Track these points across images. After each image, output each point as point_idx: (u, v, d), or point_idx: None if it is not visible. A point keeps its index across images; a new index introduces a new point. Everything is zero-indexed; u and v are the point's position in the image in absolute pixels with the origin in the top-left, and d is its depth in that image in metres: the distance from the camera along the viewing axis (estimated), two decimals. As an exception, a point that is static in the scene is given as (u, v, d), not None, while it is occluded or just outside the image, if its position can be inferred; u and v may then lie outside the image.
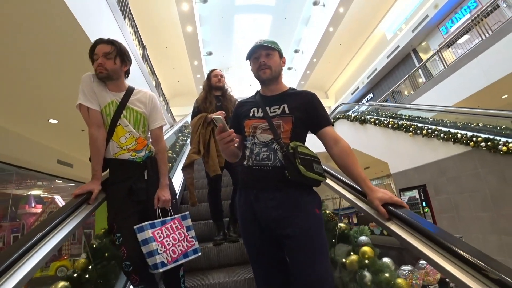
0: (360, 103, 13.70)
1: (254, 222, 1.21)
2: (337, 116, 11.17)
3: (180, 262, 1.47)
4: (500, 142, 4.68)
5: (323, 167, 1.29)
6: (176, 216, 1.57)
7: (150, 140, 1.67)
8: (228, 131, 1.14)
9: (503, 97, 8.28)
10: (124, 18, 5.46)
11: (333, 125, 1.35)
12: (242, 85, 20.57)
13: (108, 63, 1.48)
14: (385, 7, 13.90)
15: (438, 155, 6.11)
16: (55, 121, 5.10)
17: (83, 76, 1.50)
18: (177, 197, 1.89)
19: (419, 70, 11.45)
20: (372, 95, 16.72)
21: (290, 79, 20.53)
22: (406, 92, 12.28)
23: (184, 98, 18.13)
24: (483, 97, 7.84)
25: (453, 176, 5.79)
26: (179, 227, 1.54)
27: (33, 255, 0.99)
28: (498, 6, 8.52)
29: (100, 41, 1.52)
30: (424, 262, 3.10)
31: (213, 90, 2.73)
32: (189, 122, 5.63)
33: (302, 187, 1.19)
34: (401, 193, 7.44)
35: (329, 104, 21.06)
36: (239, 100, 1.58)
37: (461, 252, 0.82)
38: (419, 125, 6.84)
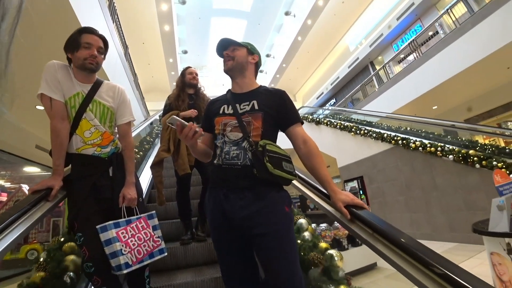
0: (319, 108, 15.11)
1: (223, 221, 1.18)
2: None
3: (145, 263, 1.40)
4: (411, 140, 6.05)
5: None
6: (142, 215, 1.49)
7: (117, 136, 1.58)
8: (188, 125, 1.14)
9: (433, 107, 9.90)
10: (112, 18, 6.14)
11: (302, 123, 1.34)
12: (215, 85, 21.37)
13: (99, 58, 1.46)
14: (348, 23, 15.50)
15: (372, 151, 7.46)
16: (41, 108, 5.68)
17: (47, 64, 1.40)
18: (144, 195, 1.84)
19: (374, 80, 13.04)
20: (334, 100, 18.23)
21: (261, 82, 21.64)
22: (362, 98, 13.87)
23: (158, 94, 18.56)
24: (417, 106, 9.34)
25: (381, 168, 7.15)
26: (145, 226, 1.45)
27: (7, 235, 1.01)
28: (437, 32, 10.22)
29: (93, 32, 1.46)
30: (337, 224, 4.23)
31: (187, 88, 2.71)
32: (159, 119, 6.21)
33: (271, 185, 1.18)
34: (345, 183, 8.80)
35: (297, 106, 22.51)
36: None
37: (414, 250, 0.89)
38: (360, 126, 8.19)
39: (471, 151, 4.76)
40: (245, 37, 18.25)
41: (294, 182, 1.60)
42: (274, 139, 1.26)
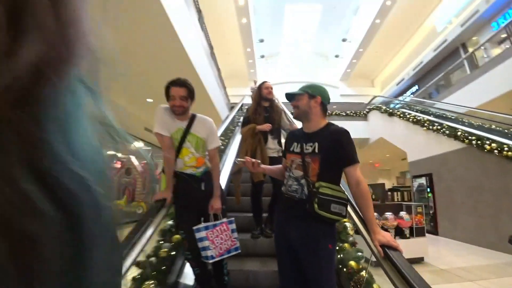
0: (393, 98, 14.18)
1: (283, 236, 1.48)
2: (372, 107, 12.12)
3: (225, 256, 1.84)
4: (486, 142, 5.65)
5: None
6: (224, 220, 1.91)
7: (207, 159, 2.01)
8: (245, 161, 1.59)
9: None
10: (199, 20, 7.22)
11: (358, 163, 1.47)
12: (291, 69, 21.79)
13: (184, 104, 1.83)
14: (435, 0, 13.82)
15: (443, 149, 7.10)
16: (151, 100, 7.36)
17: (157, 109, 1.87)
18: (224, 191, 2.25)
19: (466, 65, 11.49)
20: (417, 87, 16.73)
21: (337, 67, 21.09)
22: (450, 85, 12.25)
23: (237, 80, 20.13)
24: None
25: (452, 167, 6.82)
26: (226, 229, 1.87)
27: (146, 231, 1.66)
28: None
29: (175, 84, 1.83)
30: (388, 213, 4.60)
31: (263, 101, 2.98)
32: (240, 128, 7.21)
33: (322, 221, 1.37)
34: (413, 179, 8.56)
35: (374, 93, 21.25)
36: (289, 130, 1.82)
37: None
38: (435, 120, 7.72)
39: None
40: (320, 22, 17.99)
41: (353, 214, 1.82)
42: (334, 177, 1.47)
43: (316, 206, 1.33)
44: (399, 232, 4.69)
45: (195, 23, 6.48)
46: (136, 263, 1.75)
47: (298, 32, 20.36)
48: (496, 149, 5.35)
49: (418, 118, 8.29)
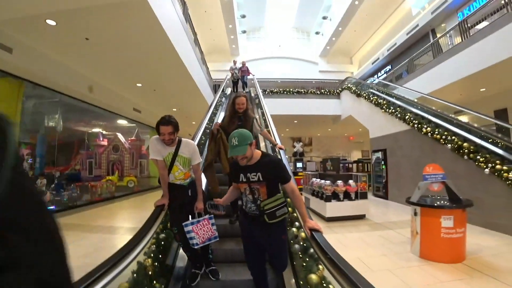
0: (361, 80, 15.03)
1: (250, 234, 2.06)
2: (344, 87, 13.11)
3: (207, 243, 2.43)
4: (424, 126, 6.85)
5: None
6: (206, 217, 2.45)
7: (191, 172, 2.55)
8: (218, 213, 2.18)
9: (481, 89, 9.47)
10: None
11: (290, 179, 2.01)
12: (272, 45, 22.16)
13: (171, 137, 2.34)
14: (411, -17, 14.44)
15: (395, 129, 8.34)
16: (140, 85, 8.05)
17: (151, 140, 2.41)
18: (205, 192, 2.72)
19: (432, 50, 12.36)
20: (390, 67, 17.75)
21: (317, 44, 21.66)
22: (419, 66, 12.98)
23: (218, 55, 20.39)
24: (466, 85, 8.81)
25: (400, 145, 8.10)
26: (207, 224, 2.43)
27: (150, 231, 2.13)
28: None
29: (162, 123, 2.30)
30: (339, 181, 5.79)
31: (236, 113, 3.40)
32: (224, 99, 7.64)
33: (274, 222, 1.93)
34: (373, 153, 9.88)
35: (352, 70, 22.20)
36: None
37: (336, 261, 1.48)
38: (393, 101, 8.84)
39: (464, 144, 5.59)
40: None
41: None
42: (276, 189, 2.00)
43: (266, 218, 1.90)
44: (347, 196, 5.96)
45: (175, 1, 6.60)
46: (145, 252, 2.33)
47: (280, 8, 20.50)
48: (429, 132, 6.57)
49: (379, 101, 9.42)
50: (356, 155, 18.88)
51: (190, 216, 2.47)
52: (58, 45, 5.61)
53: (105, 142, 15.01)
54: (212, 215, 2.47)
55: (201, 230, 2.37)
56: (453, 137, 5.97)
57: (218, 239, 2.49)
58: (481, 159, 5.13)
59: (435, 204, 3.66)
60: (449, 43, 11.19)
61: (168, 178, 2.45)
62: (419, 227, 3.72)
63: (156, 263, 2.31)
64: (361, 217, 6.04)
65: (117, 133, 14.55)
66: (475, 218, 4.97)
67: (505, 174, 4.58)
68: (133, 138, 15.06)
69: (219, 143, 3.34)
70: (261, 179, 1.90)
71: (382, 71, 18.21)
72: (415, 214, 3.80)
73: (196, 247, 2.34)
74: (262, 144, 5.35)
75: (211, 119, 6.18)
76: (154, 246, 2.50)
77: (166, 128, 2.28)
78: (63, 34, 5.09)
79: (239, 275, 2.60)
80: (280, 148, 3.91)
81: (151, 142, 2.43)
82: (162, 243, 2.61)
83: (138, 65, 6.73)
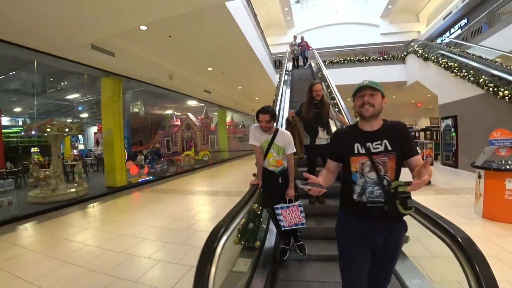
0: (429, 42, 13.80)
1: (362, 241, 1.43)
2: (410, 50, 12.40)
3: (293, 228, 2.55)
4: (500, 89, 6.49)
5: None
6: (295, 203, 2.54)
7: (285, 161, 2.66)
8: (313, 189, 1.33)
9: None
10: None
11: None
12: (328, 12, 21.27)
13: (268, 125, 2.52)
14: None
15: (467, 94, 7.93)
16: (211, 69, 9.12)
17: (251, 127, 2.67)
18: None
19: None
20: (466, 21, 15.82)
21: (378, 3, 20.05)
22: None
23: (274, 29, 20.55)
24: None
25: (473, 111, 7.76)
26: (296, 210, 2.51)
27: (246, 204, 2.26)
28: None
29: (262, 112, 2.51)
30: None
31: (314, 101, 3.47)
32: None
33: (401, 219, 1.44)
34: (442, 120, 9.56)
35: (419, 29, 20.20)
36: (335, 129, 1.80)
37: None
38: (467, 62, 8.30)
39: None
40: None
41: None
42: (400, 171, 1.45)
43: (400, 207, 1.32)
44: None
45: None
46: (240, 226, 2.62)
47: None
48: (507, 95, 6.24)
49: (449, 64, 8.88)
50: (424, 122, 17.81)
51: (282, 201, 2.59)
52: (147, 45, 6.85)
53: (178, 122, 17.11)
54: (301, 203, 2.54)
55: (289, 215, 2.49)
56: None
57: (304, 225, 2.55)
58: None
59: (501, 168, 3.87)
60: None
61: (264, 163, 2.68)
62: (483, 189, 4.00)
63: (256, 222, 2.74)
64: (428, 183, 6.27)
65: (188, 113, 16.39)
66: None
67: None
68: (202, 116, 16.80)
69: (294, 130, 3.48)
70: (389, 148, 1.41)
71: (456, 27, 16.25)
72: (479, 177, 4.06)
73: (283, 228, 2.55)
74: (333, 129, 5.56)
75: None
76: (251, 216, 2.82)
77: (264, 116, 2.50)
78: (151, 34, 6.15)
79: (322, 250, 2.87)
80: None
81: (251, 129, 2.68)
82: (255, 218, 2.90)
83: (210, 53, 7.68)
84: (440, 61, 9.44)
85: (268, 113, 2.51)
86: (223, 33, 6.45)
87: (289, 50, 12.30)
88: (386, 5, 19.05)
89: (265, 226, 3.15)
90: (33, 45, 5.26)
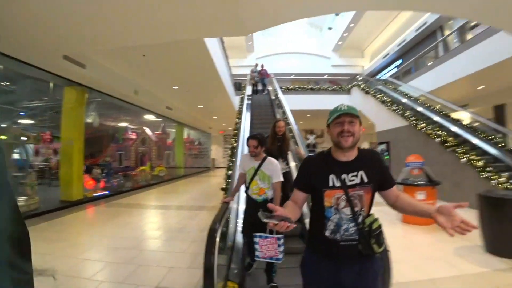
0: (370, 78, 15.91)
1: (335, 282, 1.29)
2: (354, 84, 14.15)
3: (267, 261, 2.38)
4: (419, 123, 7.95)
5: None
6: (274, 236, 2.36)
7: (268, 191, 2.69)
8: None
9: (479, 87, 10.07)
10: None
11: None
12: (286, 40, 23.03)
13: (255, 150, 2.66)
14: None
15: (397, 124, 9.42)
16: (176, 87, 9.47)
17: (242, 156, 2.89)
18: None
19: (441, 44, 13.05)
20: (401, 61, 18.45)
21: (329, 39, 22.40)
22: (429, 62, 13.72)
23: (235, 51, 21.53)
24: (463, 85, 9.67)
25: (401, 138, 9.20)
26: (274, 243, 2.33)
27: (227, 210, 2.78)
28: None
29: (250, 137, 2.69)
30: None
31: (276, 136, 3.91)
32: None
33: (371, 259, 1.30)
34: (378, 144, 11.01)
35: (363, 64, 22.90)
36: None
37: None
38: (397, 97, 9.93)
39: (449, 138, 6.71)
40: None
41: None
42: (372, 205, 1.34)
43: (376, 247, 1.24)
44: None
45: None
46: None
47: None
48: (423, 128, 7.68)
49: (384, 98, 10.48)
50: (366, 146, 19.92)
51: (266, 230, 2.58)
52: (119, 60, 7.06)
53: (133, 136, 16.74)
54: (283, 236, 2.38)
55: (266, 246, 2.39)
56: (441, 132, 7.09)
57: (280, 261, 2.37)
58: (460, 151, 6.26)
59: (414, 183, 5.08)
60: (455, 40, 11.98)
61: (248, 190, 2.78)
62: (401, 201, 5.10)
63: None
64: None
65: (145, 128, 16.18)
66: (455, 196, 6.24)
67: (476, 163, 5.73)
68: (159, 132, 16.69)
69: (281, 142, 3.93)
70: (365, 180, 1.30)
71: (393, 65, 18.92)
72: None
73: (257, 259, 2.45)
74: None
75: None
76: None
77: (252, 142, 2.68)
78: (126, 51, 6.40)
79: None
80: None
81: (241, 158, 2.92)
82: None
83: (179, 73, 8.10)
84: (377, 96, 11.04)
85: (256, 139, 2.69)
86: (194, 57, 6.91)
87: (250, 76, 13.20)
88: (337, 41, 21.39)
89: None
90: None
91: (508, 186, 5.21)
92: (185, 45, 6.29)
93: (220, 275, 2.25)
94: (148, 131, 16.37)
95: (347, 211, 1.28)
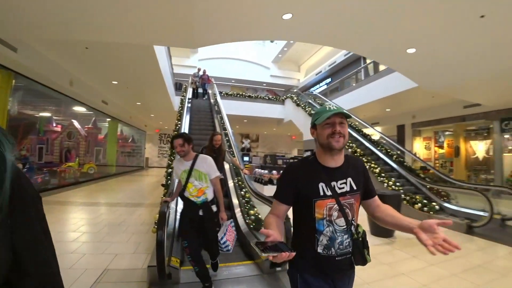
0: (301, 92, 17.74)
1: None
2: (287, 96, 15.59)
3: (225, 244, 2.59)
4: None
5: None
6: (228, 223, 2.70)
7: (207, 190, 2.55)
8: (282, 255, 0.93)
9: (387, 110, 12.37)
10: None
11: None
12: (230, 45, 23.71)
13: (183, 148, 2.48)
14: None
15: (320, 135, 10.87)
16: (116, 82, 9.28)
17: (173, 162, 2.72)
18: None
19: (362, 71, 15.33)
20: (330, 80, 20.82)
21: (271, 52, 23.94)
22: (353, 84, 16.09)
23: (178, 51, 21.27)
24: (376, 106, 11.81)
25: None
26: (230, 229, 2.67)
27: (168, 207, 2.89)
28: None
29: (174, 137, 2.53)
30: (274, 171, 8.01)
31: (214, 147, 4.20)
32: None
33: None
34: (305, 152, 12.44)
35: (299, 77, 25.05)
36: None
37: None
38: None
39: (358, 149, 8.20)
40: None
41: None
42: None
43: (368, 257, 1.18)
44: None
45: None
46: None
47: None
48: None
49: (311, 112, 11.96)
50: (295, 152, 21.88)
51: (217, 229, 2.69)
52: (57, 48, 6.69)
53: (58, 128, 15.17)
54: (232, 220, 2.71)
55: (230, 236, 2.57)
56: (352, 144, 8.62)
57: (230, 251, 2.67)
58: (363, 160, 7.77)
59: None
60: (373, 69, 14.26)
61: (185, 191, 2.59)
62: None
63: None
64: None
65: (73, 120, 14.86)
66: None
67: (375, 170, 7.25)
68: (90, 126, 15.47)
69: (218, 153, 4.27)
70: (354, 187, 1.23)
71: (323, 83, 21.25)
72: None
73: (230, 251, 2.63)
74: (226, 166, 5.94)
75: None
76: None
77: (177, 140, 2.51)
78: (67, 42, 6.08)
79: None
80: (245, 173, 4.98)
81: (173, 163, 2.78)
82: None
83: (120, 68, 8.01)
84: (306, 109, 12.51)
85: (180, 137, 2.52)
86: (139, 55, 6.98)
87: (191, 79, 13.45)
88: (278, 54, 23.01)
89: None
90: None
91: (394, 187, 6.77)
92: (130, 44, 6.38)
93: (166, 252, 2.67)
94: (76, 124, 15.03)
95: (341, 222, 1.17)
